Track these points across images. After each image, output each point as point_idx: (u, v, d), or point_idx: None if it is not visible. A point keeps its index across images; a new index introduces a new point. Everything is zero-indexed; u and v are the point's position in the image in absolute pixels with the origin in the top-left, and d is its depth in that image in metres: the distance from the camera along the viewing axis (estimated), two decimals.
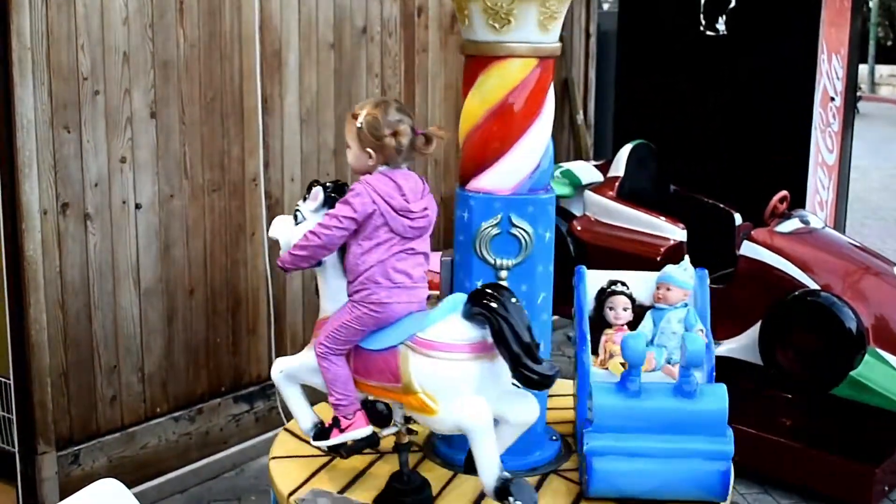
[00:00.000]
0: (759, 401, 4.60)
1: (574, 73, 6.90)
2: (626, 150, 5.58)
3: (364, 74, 5.18)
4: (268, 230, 4.68)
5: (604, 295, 3.31)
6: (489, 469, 2.61)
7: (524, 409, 2.73)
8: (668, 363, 3.14)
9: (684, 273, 3.28)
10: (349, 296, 2.84)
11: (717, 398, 2.89)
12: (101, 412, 4.19)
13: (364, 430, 2.90)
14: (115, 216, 4.13)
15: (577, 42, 6.92)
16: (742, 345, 4.59)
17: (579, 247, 5.41)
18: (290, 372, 2.99)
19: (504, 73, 2.99)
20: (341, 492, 2.98)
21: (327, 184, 2.91)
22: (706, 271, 3.28)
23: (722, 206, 4.99)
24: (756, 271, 4.67)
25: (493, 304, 2.56)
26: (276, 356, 3.88)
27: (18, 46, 3.69)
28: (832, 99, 5.70)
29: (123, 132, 4.11)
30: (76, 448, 4.10)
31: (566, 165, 5.83)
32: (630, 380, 2.88)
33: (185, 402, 4.53)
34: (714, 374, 3.09)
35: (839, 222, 6.11)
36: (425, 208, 2.82)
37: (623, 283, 3.31)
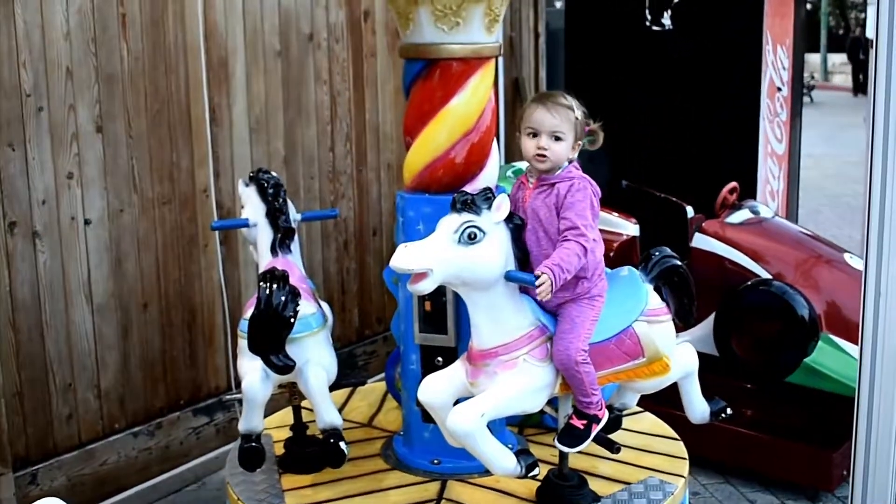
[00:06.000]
0: (716, 391, 4.63)
1: (524, 73, 6.92)
2: None
3: (312, 81, 5.17)
4: (221, 241, 4.71)
5: None
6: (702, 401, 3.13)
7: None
8: None
9: None
10: (583, 294, 2.79)
11: None
12: (57, 430, 4.15)
13: (605, 413, 2.89)
14: (64, 233, 4.09)
15: (525, 42, 6.93)
16: (697, 336, 4.60)
17: None
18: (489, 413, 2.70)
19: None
20: None
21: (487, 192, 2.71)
22: None
23: (674, 199, 5.01)
24: (708, 263, 4.70)
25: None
26: (235, 367, 3.79)
27: None
28: (779, 89, 5.75)
29: (69, 148, 4.08)
30: (34, 468, 4.06)
31: (517, 164, 5.83)
32: None
33: (143, 416, 4.50)
34: None
35: (791, 211, 6.16)
36: None
37: None
